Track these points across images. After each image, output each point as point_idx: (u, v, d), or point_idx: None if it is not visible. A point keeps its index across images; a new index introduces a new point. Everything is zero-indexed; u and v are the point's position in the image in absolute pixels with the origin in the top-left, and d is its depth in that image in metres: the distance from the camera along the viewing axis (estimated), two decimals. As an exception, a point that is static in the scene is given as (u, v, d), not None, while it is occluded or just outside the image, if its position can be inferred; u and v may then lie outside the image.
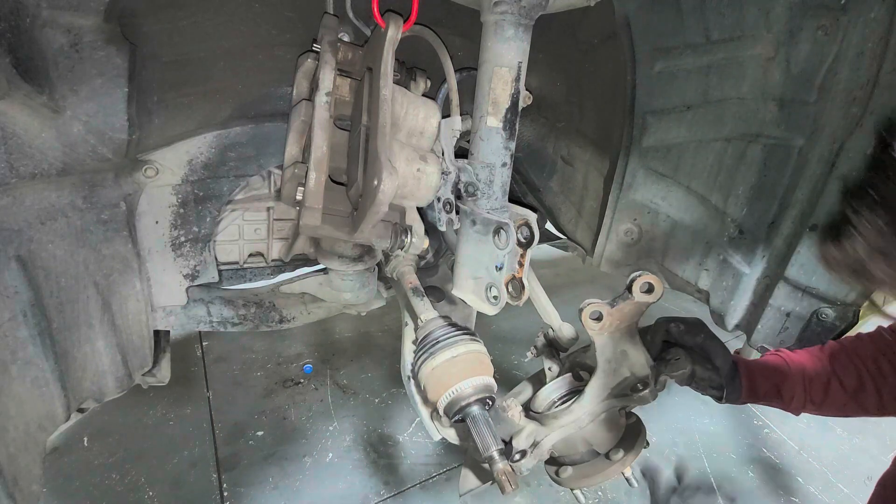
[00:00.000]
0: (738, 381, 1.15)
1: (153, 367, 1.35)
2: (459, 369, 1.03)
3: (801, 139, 1.12)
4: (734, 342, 3.52)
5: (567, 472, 1.17)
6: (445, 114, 1.19)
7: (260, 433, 2.78)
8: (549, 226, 1.97)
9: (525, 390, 1.33)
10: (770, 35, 1.10)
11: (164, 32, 1.07)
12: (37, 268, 0.98)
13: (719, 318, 1.40)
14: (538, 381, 1.32)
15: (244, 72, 1.24)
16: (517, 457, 1.12)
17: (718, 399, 1.20)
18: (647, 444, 1.20)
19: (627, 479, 1.17)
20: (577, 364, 1.27)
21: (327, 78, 1.07)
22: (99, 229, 1.10)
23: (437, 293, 1.44)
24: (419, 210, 1.20)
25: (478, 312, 1.34)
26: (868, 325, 1.15)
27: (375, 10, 1.05)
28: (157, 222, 1.26)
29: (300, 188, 1.07)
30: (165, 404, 2.93)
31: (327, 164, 1.08)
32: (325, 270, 1.50)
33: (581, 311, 1.10)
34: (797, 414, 1.15)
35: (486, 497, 2.30)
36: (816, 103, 1.08)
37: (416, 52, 1.31)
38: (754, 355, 1.25)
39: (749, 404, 1.22)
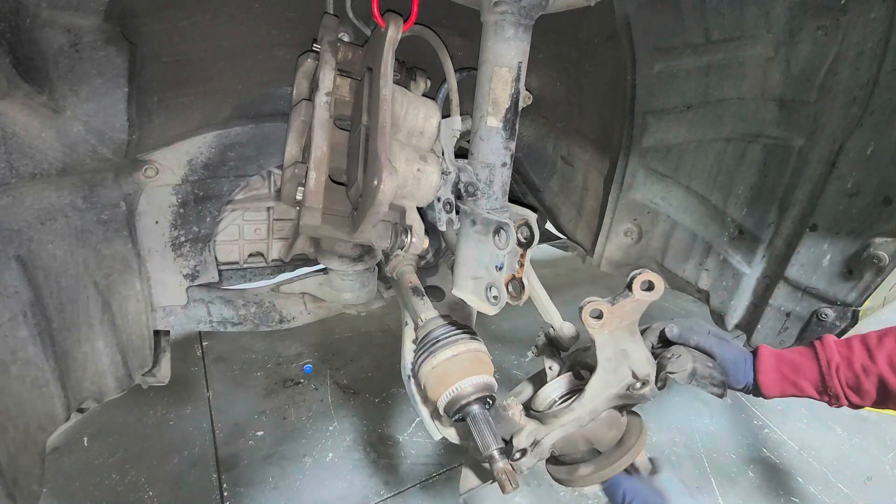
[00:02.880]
0: (753, 375, 1.12)
1: (153, 367, 1.35)
2: (459, 368, 1.03)
3: (801, 139, 1.12)
4: (734, 342, 3.51)
5: (589, 468, 1.15)
6: (445, 114, 1.19)
7: (260, 433, 2.78)
8: (549, 226, 1.97)
9: (525, 389, 1.33)
10: (770, 35, 1.10)
11: (164, 32, 1.07)
12: (37, 268, 0.98)
13: (719, 318, 1.40)
14: (539, 380, 1.32)
15: (244, 72, 1.24)
16: (517, 456, 1.12)
17: (720, 396, 1.19)
18: None
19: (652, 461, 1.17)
20: (578, 363, 1.27)
21: (327, 78, 1.08)
22: (99, 229, 1.10)
23: (437, 293, 1.44)
24: (419, 210, 1.20)
25: (478, 312, 1.34)
26: (867, 325, 1.14)
27: (375, 10, 1.05)
28: (157, 222, 1.26)
29: (300, 188, 1.07)
30: (165, 404, 2.93)
31: (327, 164, 1.08)
32: (325, 270, 1.50)
33: (581, 309, 1.09)
34: (836, 406, 1.09)
35: (486, 497, 2.31)
36: (816, 103, 1.08)
37: (416, 52, 1.31)
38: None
39: (758, 402, 1.19)
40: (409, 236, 1.13)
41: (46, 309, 1.01)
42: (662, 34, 1.28)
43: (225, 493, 2.40)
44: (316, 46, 1.13)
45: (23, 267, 0.94)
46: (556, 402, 1.21)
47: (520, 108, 1.07)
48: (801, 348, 1.11)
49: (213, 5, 1.11)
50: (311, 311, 1.61)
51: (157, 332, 1.36)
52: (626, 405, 1.19)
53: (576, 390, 1.21)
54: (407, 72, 1.27)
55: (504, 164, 1.09)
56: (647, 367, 1.14)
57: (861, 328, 1.16)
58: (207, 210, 1.32)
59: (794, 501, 2.51)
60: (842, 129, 1.04)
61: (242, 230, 1.47)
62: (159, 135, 1.16)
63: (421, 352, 1.08)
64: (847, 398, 1.03)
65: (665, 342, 1.24)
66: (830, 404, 1.07)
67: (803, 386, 1.07)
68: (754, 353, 1.16)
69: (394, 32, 1.02)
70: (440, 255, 1.61)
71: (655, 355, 1.20)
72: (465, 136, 1.20)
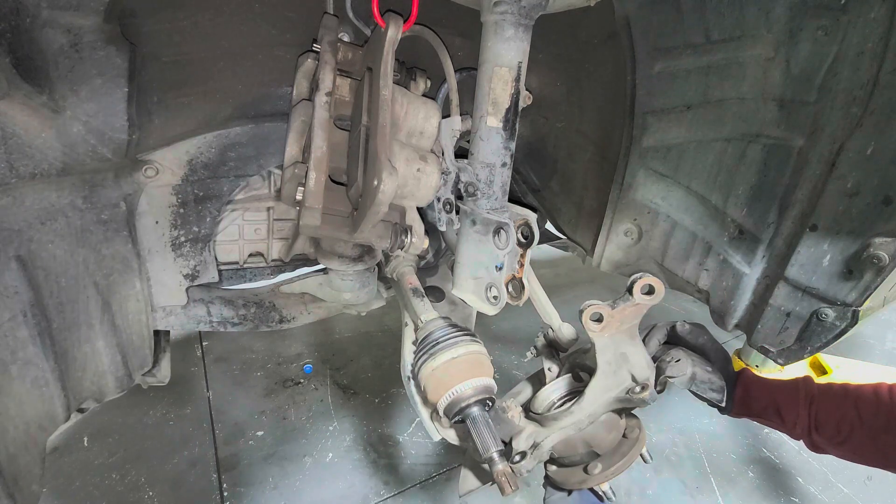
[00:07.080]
0: (732, 391, 1.15)
1: (153, 367, 1.35)
2: (459, 370, 1.03)
3: (801, 139, 1.12)
4: (734, 342, 3.51)
5: (598, 467, 1.14)
6: (445, 114, 1.19)
7: (260, 433, 2.78)
8: (549, 226, 1.97)
9: (524, 391, 1.33)
10: (770, 35, 1.10)
11: (164, 32, 1.07)
12: (37, 268, 0.98)
13: (719, 318, 1.39)
14: (538, 381, 1.32)
15: (244, 72, 1.24)
16: (517, 458, 1.12)
17: (719, 402, 1.19)
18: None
19: (642, 456, 1.17)
20: (577, 365, 1.27)
21: (327, 78, 1.08)
22: (99, 229, 1.10)
23: (437, 293, 1.44)
24: (419, 210, 1.20)
25: (478, 312, 1.34)
26: (867, 325, 1.16)
27: (375, 10, 1.05)
28: (157, 222, 1.26)
29: (300, 188, 1.07)
30: (165, 404, 2.94)
31: (327, 164, 1.08)
32: (325, 270, 1.50)
33: (582, 312, 1.10)
34: (799, 438, 1.11)
35: (485, 498, 2.31)
36: (816, 103, 1.08)
37: (416, 52, 1.31)
38: (754, 355, 1.25)
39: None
40: (409, 236, 1.13)
41: (46, 309, 1.01)
42: (662, 34, 1.28)
43: (225, 493, 2.40)
44: (316, 46, 1.13)
45: (23, 267, 0.95)
46: (555, 404, 1.21)
47: (520, 108, 1.07)
48: (785, 380, 1.17)
49: (213, 5, 1.11)
50: (311, 311, 1.61)
51: (157, 332, 1.36)
52: (625, 408, 1.19)
53: (575, 392, 1.21)
54: (407, 72, 1.27)
55: (504, 164, 1.09)
56: (646, 370, 1.14)
57: (861, 328, 1.16)
58: (207, 210, 1.31)
59: (794, 501, 2.51)
60: (842, 129, 1.04)
61: (242, 230, 1.47)
62: (159, 135, 1.16)
63: (421, 353, 1.08)
64: (815, 430, 1.10)
65: (667, 343, 1.24)
66: (794, 436, 1.12)
67: (784, 413, 1.11)
68: (738, 374, 1.21)
69: (394, 32, 1.02)
70: (440, 255, 1.61)
71: (656, 358, 1.20)
72: (465, 136, 1.20)
